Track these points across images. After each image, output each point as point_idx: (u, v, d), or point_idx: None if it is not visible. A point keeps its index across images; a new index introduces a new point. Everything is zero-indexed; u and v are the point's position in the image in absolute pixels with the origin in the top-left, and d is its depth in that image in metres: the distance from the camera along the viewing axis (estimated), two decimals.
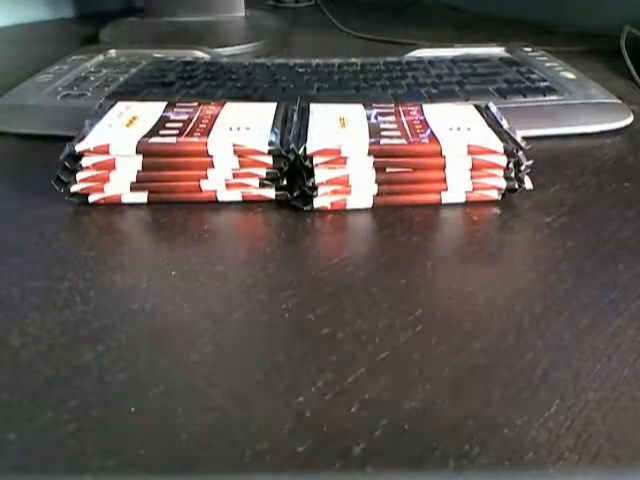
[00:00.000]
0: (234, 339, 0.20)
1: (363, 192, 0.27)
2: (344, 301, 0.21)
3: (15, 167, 0.32)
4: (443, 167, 0.27)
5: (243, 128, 0.28)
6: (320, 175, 0.26)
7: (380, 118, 0.29)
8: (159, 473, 0.15)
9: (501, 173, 0.27)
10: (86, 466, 0.15)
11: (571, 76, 0.42)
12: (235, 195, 0.27)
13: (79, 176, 0.26)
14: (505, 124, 0.29)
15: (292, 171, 0.27)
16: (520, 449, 0.16)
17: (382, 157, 0.26)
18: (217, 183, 0.27)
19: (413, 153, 0.26)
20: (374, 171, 0.27)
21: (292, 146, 0.26)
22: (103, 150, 0.26)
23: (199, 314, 0.21)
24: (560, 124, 0.36)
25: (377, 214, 0.27)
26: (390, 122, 0.29)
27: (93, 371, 0.18)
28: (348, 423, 0.16)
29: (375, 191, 0.27)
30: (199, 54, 0.48)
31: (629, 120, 0.37)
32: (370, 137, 0.26)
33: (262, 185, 0.27)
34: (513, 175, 0.27)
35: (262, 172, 0.27)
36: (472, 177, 0.27)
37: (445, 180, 0.27)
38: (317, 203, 0.27)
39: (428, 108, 0.31)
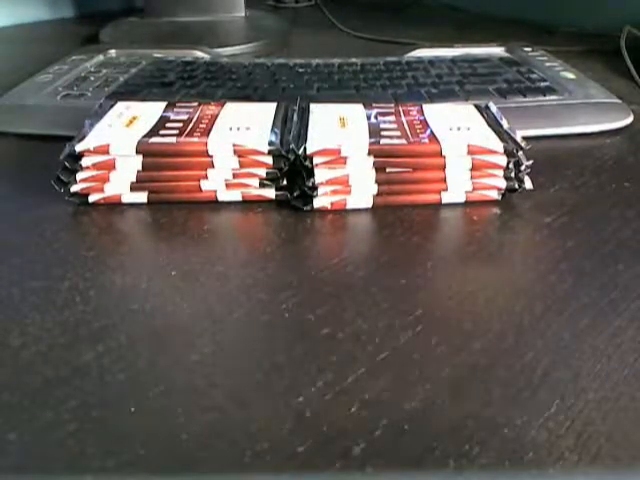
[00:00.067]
0: (234, 339, 0.20)
1: (363, 192, 0.27)
2: (344, 301, 0.21)
3: (15, 167, 0.32)
4: (443, 167, 0.27)
5: (243, 128, 0.28)
6: (320, 175, 0.26)
7: (380, 118, 0.29)
8: (159, 473, 0.15)
9: (501, 173, 0.27)
10: (86, 466, 0.15)
11: (571, 76, 0.42)
12: (235, 195, 0.27)
13: (79, 176, 0.26)
14: (505, 124, 0.29)
15: (292, 171, 0.27)
16: (520, 449, 0.16)
17: (382, 157, 0.26)
18: (217, 183, 0.27)
19: (413, 153, 0.26)
20: (374, 171, 0.27)
21: (292, 146, 0.26)
22: (103, 150, 0.26)
23: (199, 314, 0.21)
24: (560, 124, 0.36)
25: (377, 214, 0.27)
26: (390, 122, 0.29)
27: (93, 371, 0.18)
28: (348, 423, 0.16)
29: (375, 191, 0.27)
30: (199, 54, 0.48)
31: (629, 120, 0.37)
32: (370, 137, 0.26)
33: (262, 185, 0.27)
34: (513, 175, 0.27)
35: (262, 172, 0.27)
36: (472, 177, 0.27)
37: (445, 180, 0.27)
38: (317, 203, 0.27)
39: (428, 108, 0.31)
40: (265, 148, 0.26)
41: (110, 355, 0.19)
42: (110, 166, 0.26)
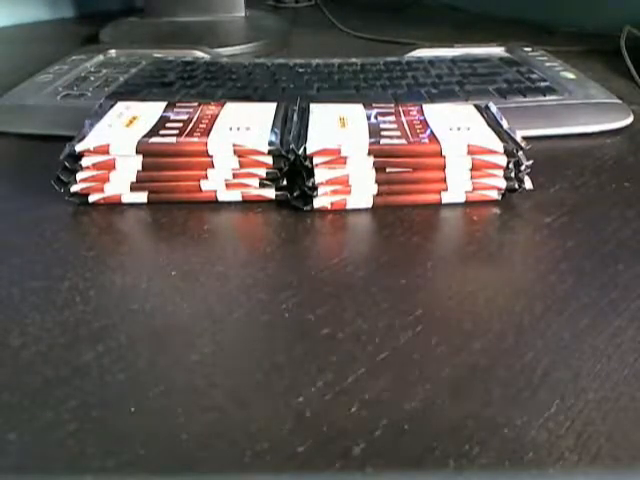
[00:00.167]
0: (234, 339, 0.20)
1: (363, 192, 0.27)
2: (344, 301, 0.21)
3: (15, 167, 0.32)
4: (443, 167, 0.27)
5: (243, 128, 0.28)
6: (320, 175, 0.26)
7: (380, 118, 0.29)
8: (159, 473, 0.15)
9: (501, 173, 0.27)
10: (86, 466, 0.15)
11: (571, 76, 0.42)
12: (235, 195, 0.27)
13: (79, 176, 0.26)
14: (505, 124, 0.29)
15: (292, 171, 0.27)
16: (520, 449, 0.16)
17: (382, 157, 0.26)
18: (217, 183, 0.27)
19: (413, 153, 0.26)
20: (374, 171, 0.27)
21: (292, 146, 0.26)
22: (103, 150, 0.26)
23: (199, 314, 0.21)
24: (560, 124, 0.36)
25: (377, 214, 0.27)
26: (390, 122, 0.29)
27: (93, 371, 0.18)
28: (348, 423, 0.16)
29: (375, 191, 0.27)
30: (199, 54, 0.48)
31: (629, 120, 0.37)
32: (370, 137, 0.26)
33: (262, 185, 0.27)
34: (513, 175, 0.27)
35: (262, 172, 0.27)
36: (472, 177, 0.27)
37: (445, 180, 0.27)
38: (317, 203, 0.27)
39: (428, 108, 0.31)
40: (265, 148, 0.26)
41: (110, 355, 0.19)
42: (110, 166, 0.26)
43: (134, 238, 0.26)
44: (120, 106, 0.30)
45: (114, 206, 0.27)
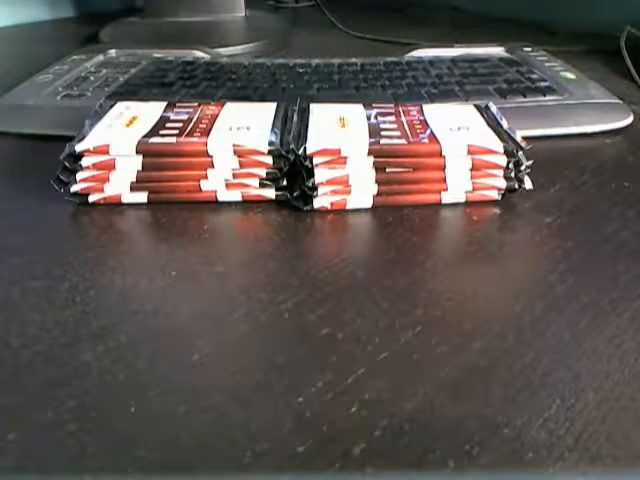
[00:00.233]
0: (234, 339, 0.20)
1: (363, 192, 0.27)
2: (344, 301, 0.21)
3: (15, 167, 0.32)
4: (443, 167, 0.27)
5: (243, 128, 0.28)
6: (320, 175, 0.26)
7: (380, 118, 0.29)
8: (159, 473, 0.15)
9: (501, 173, 0.27)
10: (86, 466, 0.15)
11: (571, 76, 0.41)
12: (235, 195, 0.27)
13: (79, 176, 0.26)
14: (505, 124, 0.29)
15: (292, 171, 0.27)
16: (520, 449, 0.16)
17: (382, 157, 0.26)
18: (217, 183, 0.27)
19: (413, 153, 0.26)
20: (374, 171, 0.27)
21: (292, 146, 0.26)
22: (103, 150, 0.26)
23: (199, 314, 0.21)
24: (560, 124, 0.36)
25: (377, 214, 0.27)
26: (390, 122, 0.29)
27: (93, 371, 0.18)
28: (348, 423, 0.16)
29: (375, 191, 0.27)
30: (199, 54, 0.48)
31: (629, 120, 0.36)
32: (370, 137, 0.26)
33: (262, 185, 0.27)
34: (513, 175, 0.27)
35: (262, 172, 0.27)
36: (472, 177, 0.27)
37: (445, 180, 0.27)
38: (317, 203, 0.27)
39: (428, 108, 0.31)
40: (265, 148, 0.26)
41: (110, 355, 0.19)
42: (110, 166, 0.26)
43: (134, 238, 0.26)
44: (120, 106, 0.30)
45: (114, 206, 0.27)
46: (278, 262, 0.24)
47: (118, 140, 0.26)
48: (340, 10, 0.69)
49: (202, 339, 0.20)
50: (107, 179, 0.27)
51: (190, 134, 0.27)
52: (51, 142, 0.30)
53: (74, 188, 0.27)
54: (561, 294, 0.22)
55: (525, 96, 0.38)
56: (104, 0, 0.74)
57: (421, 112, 0.30)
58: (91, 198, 0.27)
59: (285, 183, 0.27)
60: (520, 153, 0.27)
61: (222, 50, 0.52)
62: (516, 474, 0.15)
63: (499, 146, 0.26)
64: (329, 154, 0.26)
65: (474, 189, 0.27)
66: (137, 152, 0.26)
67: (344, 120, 0.29)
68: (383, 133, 0.27)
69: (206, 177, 0.27)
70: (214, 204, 0.28)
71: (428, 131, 0.28)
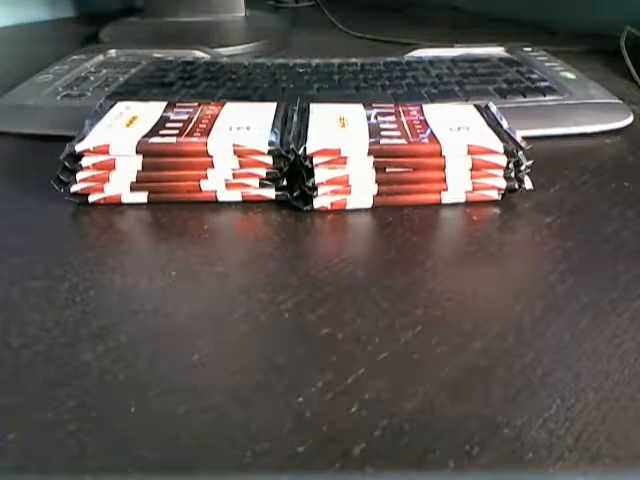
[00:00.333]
0: (234, 339, 0.20)
1: (363, 192, 0.27)
2: (344, 301, 0.21)
3: (15, 167, 0.32)
4: (443, 167, 0.27)
5: (243, 128, 0.28)
6: (320, 175, 0.26)
7: (380, 118, 0.29)
8: (159, 473, 0.15)
9: (501, 173, 0.27)
10: (86, 466, 0.15)
11: (571, 76, 0.42)
12: (235, 195, 0.27)
13: (79, 176, 0.26)
14: (505, 124, 0.29)
15: (292, 171, 0.27)
16: (520, 449, 0.16)
17: (382, 157, 0.26)
18: (217, 183, 0.27)
19: (413, 153, 0.26)
20: (374, 171, 0.27)
21: (292, 146, 0.26)
22: (103, 150, 0.26)
23: (199, 314, 0.21)
24: (560, 124, 0.36)
25: (377, 214, 0.27)
26: (390, 122, 0.29)
27: (93, 371, 0.18)
28: (348, 423, 0.16)
29: (375, 191, 0.27)
30: (199, 54, 0.48)
31: (629, 120, 0.36)
32: (370, 137, 0.26)
33: (262, 185, 0.27)
34: (513, 175, 0.27)
35: (262, 172, 0.27)
36: (472, 177, 0.27)
37: (445, 180, 0.27)
38: (317, 203, 0.27)
39: (428, 108, 0.31)
40: (265, 148, 0.26)
41: (110, 355, 0.19)
42: (110, 166, 0.26)
43: (134, 238, 0.26)
44: (120, 106, 0.30)
45: (114, 206, 0.27)
46: (278, 262, 0.24)
47: (118, 140, 0.26)
48: (340, 10, 0.69)
49: (202, 339, 0.20)
50: (107, 179, 0.27)
51: (190, 134, 0.27)
52: (51, 142, 0.30)
53: (74, 188, 0.27)
54: (561, 294, 0.22)
55: (525, 96, 0.38)
56: (104, 0, 0.74)
57: (421, 112, 0.30)
58: (91, 198, 0.27)
59: (285, 183, 0.27)
60: (520, 153, 0.27)
61: (222, 50, 0.52)
62: (516, 474, 0.15)
63: (499, 146, 0.26)
64: (329, 154, 0.26)
65: (474, 189, 0.27)
66: (137, 152, 0.26)
67: (344, 120, 0.29)
68: (383, 133, 0.27)
69: (206, 177, 0.27)
70: (214, 204, 0.28)
71: (428, 131, 0.28)
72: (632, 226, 0.26)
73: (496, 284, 0.22)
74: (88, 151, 0.26)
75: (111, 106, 0.30)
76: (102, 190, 0.27)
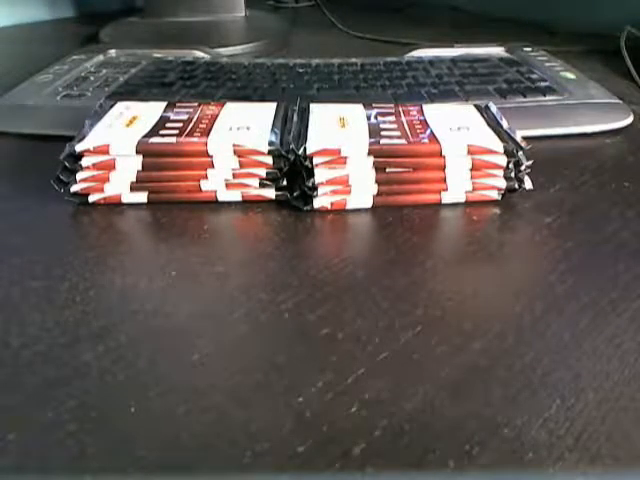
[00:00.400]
0: (234, 339, 0.20)
1: (363, 192, 0.27)
2: (344, 301, 0.21)
3: (15, 167, 0.32)
4: (443, 167, 0.27)
5: (243, 128, 0.28)
6: (320, 175, 0.26)
7: (380, 118, 0.29)
8: (159, 473, 0.15)
9: (501, 173, 0.27)
10: (86, 466, 0.15)
11: (571, 76, 0.42)
12: (235, 195, 0.27)
13: (79, 176, 0.26)
14: (505, 124, 0.29)
15: (292, 171, 0.27)
16: (520, 449, 0.16)
17: (382, 157, 0.26)
18: (217, 183, 0.27)
19: (413, 153, 0.26)
20: (374, 171, 0.27)
21: (292, 146, 0.26)
22: (103, 150, 0.26)
23: (199, 314, 0.21)
24: (560, 124, 0.36)
25: (377, 214, 0.27)
26: (390, 122, 0.29)
27: (93, 371, 0.18)
28: (348, 423, 0.16)
29: (375, 191, 0.27)
30: (199, 54, 0.48)
31: (629, 120, 0.36)
32: (370, 137, 0.26)
33: (262, 185, 0.27)
34: (513, 175, 0.27)
35: (262, 172, 0.27)
36: (472, 177, 0.27)
37: (445, 180, 0.27)
38: (317, 203, 0.27)
39: (428, 108, 0.31)
40: (265, 148, 0.26)
41: (110, 355, 0.19)
42: (110, 166, 0.26)
43: (134, 238, 0.26)
44: (120, 106, 0.30)
45: (114, 206, 0.27)
46: (278, 262, 0.24)
47: (118, 140, 0.26)
48: (340, 10, 0.69)
49: (202, 339, 0.20)
50: (107, 179, 0.27)
51: (190, 134, 0.27)
52: (51, 142, 0.30)
53: (74, 188, 0.27)
54: (561, 294, 0.22)
55: (525, 96, 0.38)
56: (104, 0, 0.74)
57: (421, 112, 0.30)
58: (91, 198, 0.27)
59: (285, 183, 0.27)
60: (520, 153, 0.27)
61: (222, 50, 0.52)
62: (516, 474, 0.15)
63: (499, 146, 0.26)
64: (329, 154, 0.26)
65: (474, 189, 0.27)
66: (137, 152, 0.26)
67: (344, 120, 0.29)
68: (383, 133, 0.27)
69: (206, 177, 0.27)
70: (214, 204, 0.28)
71: (428, 131, 0.28)
72: (632, 226, 0.26)
73: (496, 284, 0.22)
74: (88, 151, 0.26)
75: (111, 106, 0.30)
76: (102, 190, 0.27)
